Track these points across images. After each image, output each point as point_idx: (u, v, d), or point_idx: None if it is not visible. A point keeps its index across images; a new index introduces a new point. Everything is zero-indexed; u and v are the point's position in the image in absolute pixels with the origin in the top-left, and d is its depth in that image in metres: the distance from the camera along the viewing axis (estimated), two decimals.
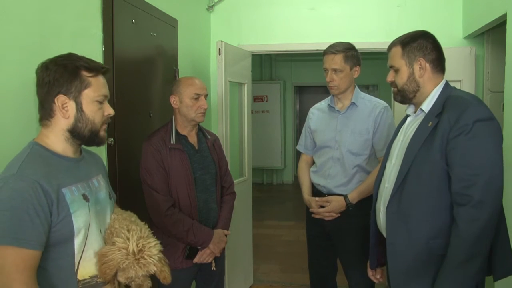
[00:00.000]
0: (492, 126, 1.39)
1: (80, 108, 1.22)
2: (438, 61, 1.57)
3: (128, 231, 1.28)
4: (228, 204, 2.19)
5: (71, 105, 1.21)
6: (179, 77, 2.84)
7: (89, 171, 1.32)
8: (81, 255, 1.21)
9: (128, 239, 1.24)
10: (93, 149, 1.92)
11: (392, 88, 1.66)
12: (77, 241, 1.19)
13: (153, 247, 1.27)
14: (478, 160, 1.35)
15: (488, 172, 1.33)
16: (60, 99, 1.19)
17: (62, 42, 1.68)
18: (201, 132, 2.16)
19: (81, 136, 1.24)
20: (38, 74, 1.21)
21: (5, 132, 1.41)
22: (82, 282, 1.21)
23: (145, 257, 1.24)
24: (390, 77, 1.64)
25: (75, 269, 1.20)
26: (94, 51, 1.94)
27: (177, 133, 2.03)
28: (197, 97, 2.00)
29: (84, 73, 1.22)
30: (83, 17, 1.85)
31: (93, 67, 1.23)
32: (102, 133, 1.30)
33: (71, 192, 1.19)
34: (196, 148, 2.07)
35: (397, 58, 1.59)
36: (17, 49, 1.46)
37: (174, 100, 2.04)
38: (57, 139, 1.22)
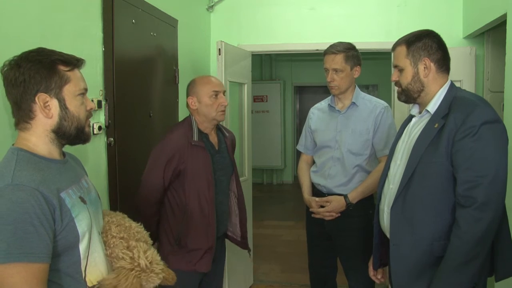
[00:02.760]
0: (498, 129, 1.39)
1: (64, 105, 1.13)
2: (443, 61, 1.56)
3: (128, 248, 1.28)
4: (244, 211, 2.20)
5: (54, 103, 1.12)
6: (179, 77, 2.85)
7: (76, 172, 1.25)
8: (87, 260, 1.16)
9: (133, 258, 1.25)
10: (93, 148, 1.94)
11: (396, 88, 1.65)
12: (82, 246, 1.14)
13: (155, 254, 1.31)
14: (483, 162, 1.34)
15: (492, 174, 1.33)
16: (41, 97, 1.10)
17: (62, 42, 1.67)
18: (220, 130, 2.11)
19: (67, 135, 1.16)
20: (7, 73, 1.09)
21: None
22: None
23: (154, 265, 1.28)
24: (394, 76, 1.63)
25: (83, 276, 1.15)
26: (94, 51, 1.94)
27: (199, 131, 1.96)
28: (216, 95, 1.95)
29: (62, 68, 1.12)
30: (83, 17, 1.85)
31: (69, 61, 1.15)
32: (87, 129, 1.22)
33: (69, 196, 1.12)
34: (217, 148, 2.03)
35: (402, 58, 1.57)
36: (17, 49, 1.46)
37: (192, 102, 1.97)
38: (40, 141, 1.13)
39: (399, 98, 1.66)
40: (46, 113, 1.11)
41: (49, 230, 1.03)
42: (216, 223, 1.96)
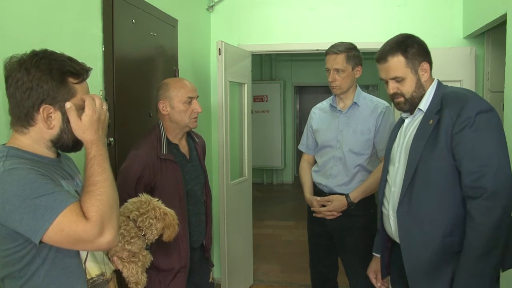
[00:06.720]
0: (494, 117, 1.40)
1: (67, 119, 1.10)
2: (431, 60, 1.58)
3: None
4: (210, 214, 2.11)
5: (57, 116, 1.09)
6: (179, 77, 2.84)
7: (71, 171, 1.23)
8: (87, 253, 1.16)
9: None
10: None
11: (396, 99, 1.58)
12: None
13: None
14: (485, 151, 1.35)
15: (496, 162, 1.33)
16: (46, 109, 1.07)
17: (62, 42, 1.67)
18: (190, 137, 2.01)
19: (64, 146, 1.14)
20: (13, 71, 1.06)
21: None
22: (90, 281, 1.18)
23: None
24: (393, 89, 1.56)
25: (84, 268, 1.16)
26: (94, 51, 1.94)
27: (168, 141, 1.86)
28: (190, 101, 1.84)
29: (71, 80, 1.09)
30: (83, 17, 1.85)
31: (79, 72, 1.11)
32: None
33: (66, 185, 1.11)
34: (188, 157, 1.94)
35: (401, 68, 1.53)
36: (18, 49, 1.45)
37: (163, 106, 1.84)
38: (35, 145, 1.10)
39: (402, 109, 1.59)
40: (48, 124, 1.09)
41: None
42: (190, 237, 1.88)
